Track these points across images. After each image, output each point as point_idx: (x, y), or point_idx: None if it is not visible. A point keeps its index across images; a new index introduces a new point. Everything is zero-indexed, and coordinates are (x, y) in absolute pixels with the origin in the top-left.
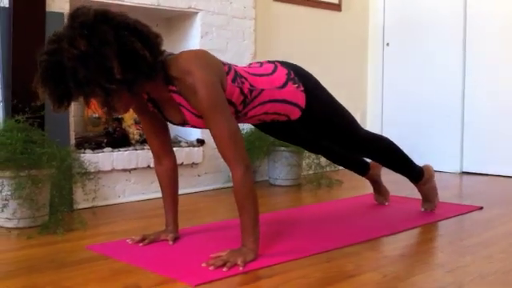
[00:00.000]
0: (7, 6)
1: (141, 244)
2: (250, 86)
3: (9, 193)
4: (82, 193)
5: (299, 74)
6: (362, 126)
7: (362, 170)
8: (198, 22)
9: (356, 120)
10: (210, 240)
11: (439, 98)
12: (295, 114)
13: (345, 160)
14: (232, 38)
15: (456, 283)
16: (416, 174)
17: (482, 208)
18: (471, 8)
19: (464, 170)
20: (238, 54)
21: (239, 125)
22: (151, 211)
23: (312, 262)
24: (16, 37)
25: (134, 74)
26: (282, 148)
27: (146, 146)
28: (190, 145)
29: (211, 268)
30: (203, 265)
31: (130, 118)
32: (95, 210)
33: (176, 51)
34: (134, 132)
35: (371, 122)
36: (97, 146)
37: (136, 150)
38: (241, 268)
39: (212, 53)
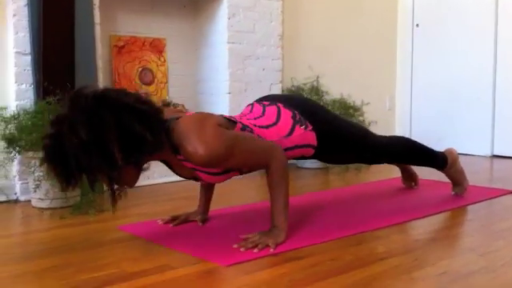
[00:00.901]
0: None
1: (171, 224)
2: (258, 137)
3: (41, 173)
4: None
5: (304, 112)
6: (391, 109)
7: None
8: (224, 3)
9: (368, 130)
10: (239, 222)
11: (470, 81)
12: (309, 152)
13: None
14: (259, 19)
15: (488, 267)
16: (440, 161)
17: None
18: None
19: (495, 153)
20: (265, 35)
21: None
22: (180, 193)
23: (342, 245)
24: (46, 19)
25: (136, 156)
26: None
27: None
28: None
29: (242, 249)
30: (235, 246)
31: (158, 100)
32: (125, 191)
33: (203, 33)
34: None
35: (400, 105)
36: None
37: None
38: (272, 250)
39: (239, 34)
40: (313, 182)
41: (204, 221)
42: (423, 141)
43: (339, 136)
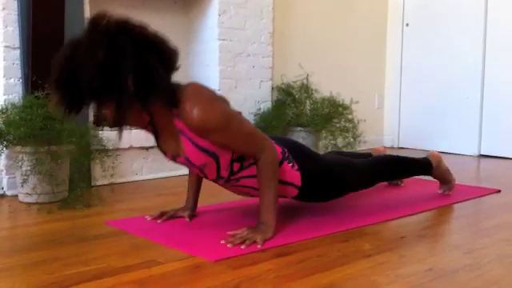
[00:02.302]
0: None
1: (159, 220)
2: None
3: (28, 168)
4: (100, 169)
5: (293, 151)
6: (380, 108)
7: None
8: None
9: (350, 161)
10: (227, 218)
11: (458, 81)
12: (292, 192)
13: None
14: (250, 16)
15: (473, 265)
16: (425, 168)
17: (499, 191)
18: None
19: (482, 152)
20: (256, 32)
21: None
22: (168, 189)
23: (329, 241)
24: (35, 13)
25: (146, 90)
26: (299, 128)
27: None
28: None
29: (229, 245)
30: (222, 242)
31: None
32: (113, 186)
33: (194, 30)
34: None
35: (389, 104)
36: None
37: None
38: (259, 246)
39: (230, 31)
40: None
41: (192, 217)
42: (412, 139)
43: (325, 175)
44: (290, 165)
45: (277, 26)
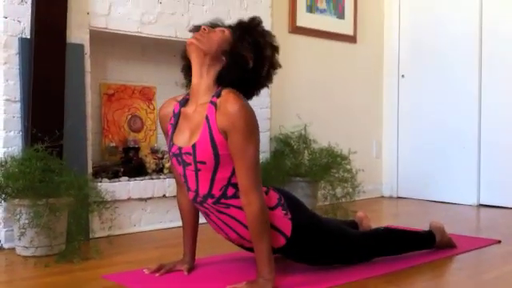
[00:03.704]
0: (28, 37)
1: (157, 274)
2: None
3: (26, 221)
4: (99, 221)
5: (288, 202)
6: (378, 157)
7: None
8: None
9: (345, 229)
10: (226, 270)
11: (455, 129)
12: (280, 241)
13: None
14: None
15: None
16: (427, 242)
17: (499, 242)
18: (486, 37)
19: (481, 202)
20: None
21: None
22: (167, 241)
23: None
24: (36, 67)
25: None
26: (298, 178)
27: (162, 176)
28: None
29: None
30: None
31: (146, 147)
32: (111, 238)
33: None
34: (151, 161)
35: (387, 153)
36: (114, 175)
37: (152, 179)
38: None
39: None
40: None
41: (190, 270)
42: (411, 189)
43: (314, 237)
44: (284, 212)
45: (274, 78)
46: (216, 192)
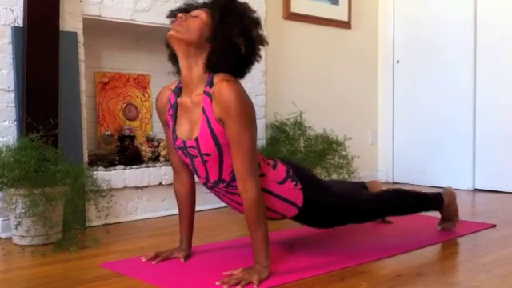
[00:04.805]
0: (21, 25)
1: (154, 262)
2: (257, 162)
3: (23, 210)
4: (95, 210)
5: (297, 172)
6: (373, 143)
7: None
8: None
9: (357, 190)
10: (222, 258)
11: (450, 115)
12: (291, 212)
13: None
14: None
15: None
16: (436, 204)
17: (495, 226)
18: (481, 23)
19: (476, 187)
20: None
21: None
22: (163, 229)
23: (325, 281)
24: (30, 56)
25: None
26: None
27: (158, 164)
28: None
29: (225, 286)
30: (217, 283)
31: (142, 135)
32: (108, 227)
33: None
34: (147, 149)
35: (382, 140)
36: (109, 163)
37: (148, 167)
38: (255, 286)
39: None
40: None
41: (187, 257)
42: (406, 175)
43: (328, 201)
44: (293, 183)
45: (269, 65)
46: (226, 177)
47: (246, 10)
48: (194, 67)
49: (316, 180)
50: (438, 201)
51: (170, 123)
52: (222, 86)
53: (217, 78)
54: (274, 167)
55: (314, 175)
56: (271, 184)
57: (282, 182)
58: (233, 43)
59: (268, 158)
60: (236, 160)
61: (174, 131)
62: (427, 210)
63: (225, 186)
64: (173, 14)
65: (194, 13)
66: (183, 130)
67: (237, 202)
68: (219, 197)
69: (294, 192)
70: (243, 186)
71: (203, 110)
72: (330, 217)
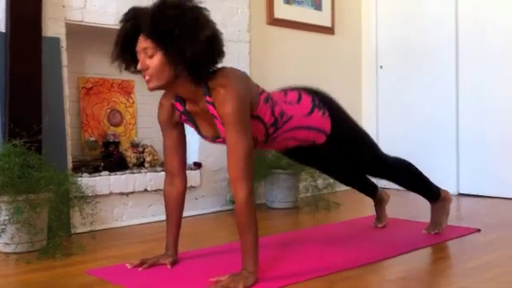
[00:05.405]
0: (3, 31)
1: (140, 268)
2: (281, 110)
3: (6, 218)
4: (80, 217)
5: (323, 100)
6: None
7: (373, 193)
8: None
9: (377, 144)
10: (209, 264)
11: (434, 120)
12: (321, 139)
13: (357, 183)
14: (228, 60)
15: None
16: (433, 194)
17: (479, 230)
18: (463, 28)
19: (460, 191)
20: None
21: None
22: (149, 235)
23: (312, 286)
24: (12, 61)
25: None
26: (279, 170)
27: (143, 170)
28: (188, 168)
29: None
30: None
31: (126, 141)
32: (93, 234)
33: None
34: (131, 155)
35: None
36: (94, 169)
37: (133, 173)
38: None
39: None
40: (283, 221)
41: (173, 263)
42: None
43: (352, 131)
44: (321, 112)
45: (253, 70)
46: (271, 130)
47: (191, 19)
48: (187, 87)
49: (342, 108)
50: (436, 192)
51: (192, 127)
52: (219, 95)
53: (211, 84)
54: (299, 101)
55: (338, 103)
56: (299, 119)
57: (310, 113)
58: (194, 48)
59: (292, 89)
60: (230, 162)
61: (199, 132)
62: (426, 194)
63: (275, 130)
64: (135, 70)
65: (143, 49)
66: (208, 130)
67: (288, 139)
68: (277, 142)
69: (322, 120)
70: (235, 188)
71: (213, 116)
72: (351, 147)
